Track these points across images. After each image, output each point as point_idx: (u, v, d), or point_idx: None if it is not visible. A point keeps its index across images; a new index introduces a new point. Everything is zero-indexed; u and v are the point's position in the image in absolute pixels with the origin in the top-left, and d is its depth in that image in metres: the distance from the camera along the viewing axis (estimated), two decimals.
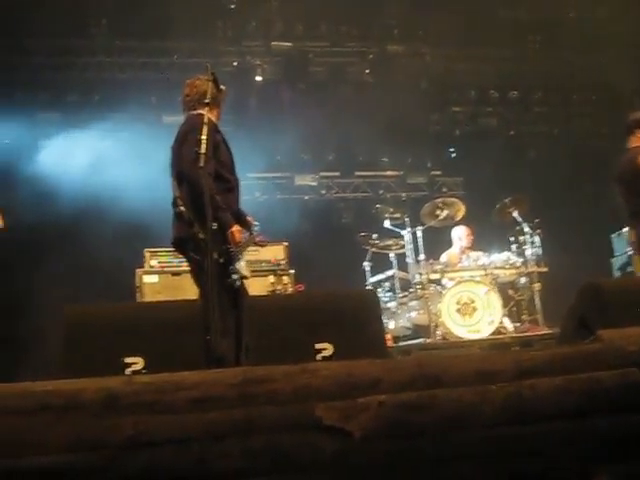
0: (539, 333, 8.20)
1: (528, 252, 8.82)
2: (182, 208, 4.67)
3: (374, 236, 9.17)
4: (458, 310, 8.07)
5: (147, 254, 8.07)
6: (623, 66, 12.88)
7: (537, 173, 12.71)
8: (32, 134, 10.93)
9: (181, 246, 4.89)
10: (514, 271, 8.82)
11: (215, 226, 4.38)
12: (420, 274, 8.59)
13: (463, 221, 9.51)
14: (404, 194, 13.49)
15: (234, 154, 5.21)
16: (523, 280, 8.86)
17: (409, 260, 8.83)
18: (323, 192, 13.17)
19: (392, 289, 9.00)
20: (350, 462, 2.49)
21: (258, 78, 12.07)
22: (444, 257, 9.38)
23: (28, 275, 9.90)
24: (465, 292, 8.18)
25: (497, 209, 9.21)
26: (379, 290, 9.05)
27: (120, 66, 11.41)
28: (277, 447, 2.43)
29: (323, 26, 11.87)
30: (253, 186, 11.52)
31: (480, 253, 9.01)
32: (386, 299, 8.96)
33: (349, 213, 12.93)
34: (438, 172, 13.83)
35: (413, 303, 8.68)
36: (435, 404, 2.65)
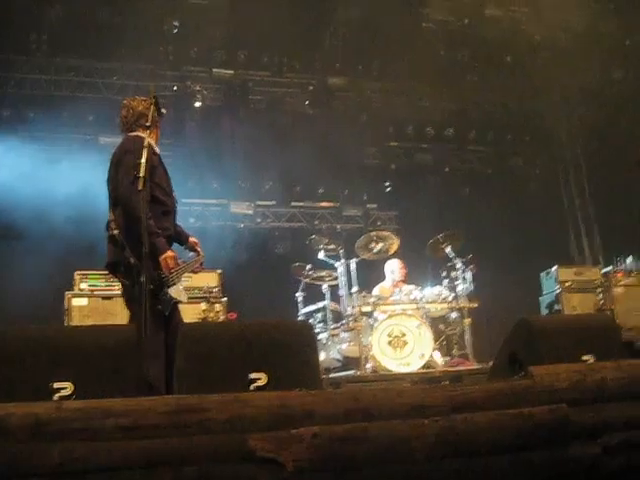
0: (469, 368, 8.25)
1: (460, 287, 8.92)
2: (115, 232, 4.64)
3: (308, 267, 9.17)
4: (389, 343, 8.09)
5: (77, 276, 7.92)
6: (557, 109, 13.30)
7: (471, 210, 12.94)
8: None
9: (114, 270, 4.83)
10: (445, 306, 8.91)
11: (144, 251, 4.31)
12: (352, 306, 8.60)
13: (396, 255, 9.58)
14: (339, 226, 13.58)
15: (171, 178, 5.18)
16: (454, 315, 8.95)
17: (342, 292, 8.85)
18: (259, 221, 13.16)
19: (324, 320, 8.99)
20: None
21: (197, 104, 12.03)
22: (376, 290, 9.42)
23: None
24: (397, 325, 8.20)
25: (431, 244, 9.31)
26: (311, 321, 9.05)
27: (58, 84, 11.24)
28: (209, 478, 2.40)
29: (265, 56, 11.92)
30: (188, 212, 11.43)
31: (412, 287, 9.07)
32: (317, 330, 8.93)
33: (284, 243, 12.92)
34: (373, 205, 13.95)
35: (344, 335, 8.68)
36: (368, 437, 2.65)
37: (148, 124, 4.54)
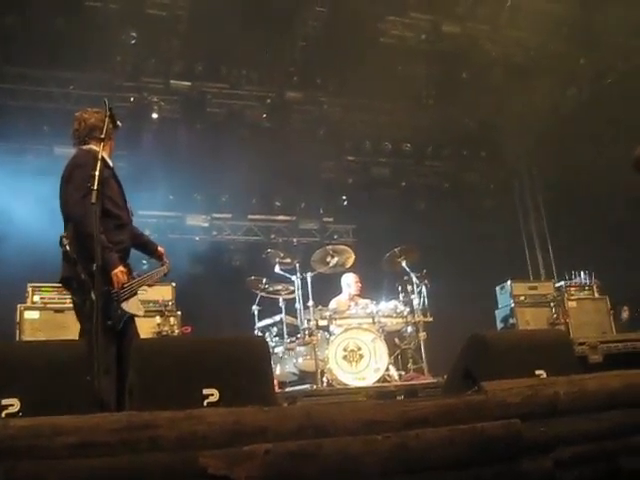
0: (424, 382, 8.28)
1: (415, 302, 8.96)
2: (67, 247, 4.58)
3: (264, 280, 9.14)
4: (345, 357, 8.08)
5: (30, 289, 7.81)
6: (512, 125, 13.45)
7: (427, 224, 13.02)
8: None
9: (67, 285, 4.77)
10: (401, 320, 8.93)
11: (95, 267, 4.26)
12: (308, 320, 8.58)
13: (353, 269, 9.59)
14: (295, 239, 13.59)
15: (126, 190, 5.13)
16: (409, 329, 8.98)
17: (298, 306, 8.82)
18: (215, 233, 13.12)
19: (280, 334, 8.97)
20: None
21: (154, 115, 11.93)
22: (333, 304, 9.41)
23: None
24: (352, 339, 8.20)
25: (387, 258, 9.34)
26: (267, 334, 9.02)
27: (13, 93, 11.06)
28: None
29: (223, 68, 11.90)
30: (144, 224, 11.24)
31: (368, 301, 9.09)
32: (273, 344, 8.91)
33: (240, 256, 12.89)
34: (330, 219, 13.99)
35: (300, 349, 8.65)
36: (321, 454, 2.63)
37: (102, 136, 4.48)
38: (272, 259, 9.09)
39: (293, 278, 8.91)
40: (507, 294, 10.12)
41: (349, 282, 9.72)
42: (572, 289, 10.17)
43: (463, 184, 14.40)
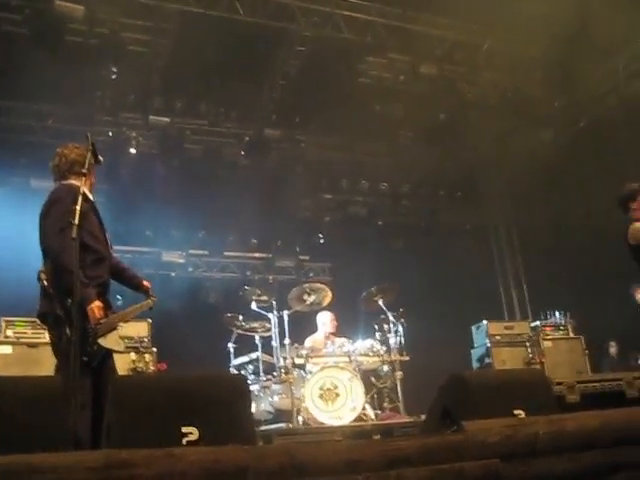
0: (400, 421, 8.24)
1: (392, 340, 8.95)
2: (45, 282, 4.55)
3: (240, 317, 9.12)
4: (321, 396, 8.03)
5: (3, 323, 7.70)
6: (488, 168, 13.63)
7: (404, 263, 13.07)
8: None
9: (44, 320, 4.74)
10: (377, 359, 8.91)
11: (70, 302, 4.23)
12: (284, 358, 8.54)
13: (330, 307, 9.58)
14: (271, 277, 13.57)
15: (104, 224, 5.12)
16: (386, 368, 8.96)
17: (274, 343, 8.77)
18: (190, 270, 13.07)
19: (256, 372, 8.90)
20: None
21: (132, 150, 11.91)
22: (308, 342, 9.36)
23: None
24: (329, 378, 8.16)
25: (364, 297, 9.34)
26: (243, 372, 8.95)
27: None
28: None
29: (202, 105, 11.94)
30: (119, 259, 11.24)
31: (344, 340, 9.07)
32: (249, 382, 8.83)
33: (216, 293, 12.83)
34: (306, 257, 14.00)
35: (276, 387, 8.59)
36: None
37: (84, 171, 4.48)
38: (249, 296, 9.07)
39: (270, 316, 8.88)
40: (483, 333, 10.15)
41: (324, 320, 9.71)
42: (547, 329, 10.21)
43: (439, 224, 14.48)
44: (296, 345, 8.80)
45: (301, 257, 13.99)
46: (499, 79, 11.77)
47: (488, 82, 11.83)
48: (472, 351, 10.34)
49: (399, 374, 8.75)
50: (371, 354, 8.88)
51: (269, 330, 8.92)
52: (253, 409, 8.57)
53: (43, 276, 4.61)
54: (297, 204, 13.62)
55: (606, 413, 3.55)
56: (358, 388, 8.13)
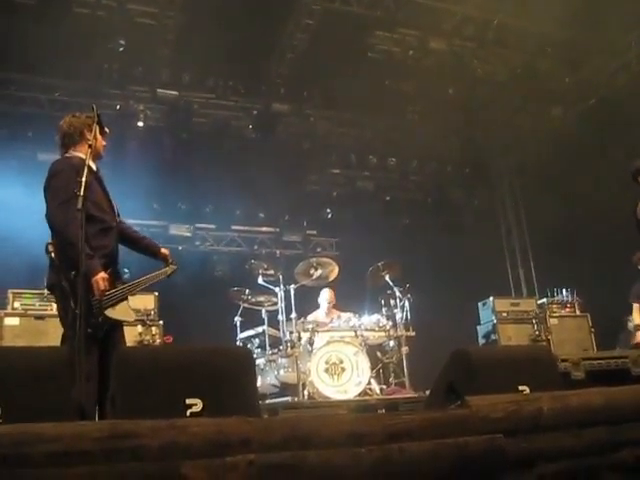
0: (405, 396, 8.27)
1: (398, 316, 8.97)
2: (52, 255, 4.56)
3: (247, 291, 9.14)
4: (327, 370, 8.06)
5: (10, 295, 7.75)
6: (496, 144, 13.55)
7: (410, 239, 13.06)
8: None
9: (52, 292, 4.76)
10: (383, 334, 8.93)
11: (73, 275, 4.30)
12: (290, 332, 8.57)
13: (336, 281, 9.59)
14: (278, 251, 13.57)
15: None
16: (392, 343, 8.98)
17: (280, 317, 8.80)
18: (197, 244, 13.08)
19: (262, 345, 8.94)
20: None
21: (140, 124, 11.89)
22: (310, 318, 9.38)
23: None
24: (334, 352, 8.19)
25: (370, 272, 9.35)
26: (249, 346, 8.99)
27: None
28: None
29: (210, 79, 11.89)
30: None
31: (350, 314, 9.08)
32: (255, 355, 8.87)
33: (223, 266, 12.84)
34: (313, 232, 13.99)
35: (282, 361, 8.62)
36: (305, 465, 2.61)
37: (90, 142, 4.48)
38: (255, 270, 9.08)
39: (276, 290, 8.90)
40: (489, 310, 10.14)
41: (326, 297, 9.78)
42: (554, 306, 10.22)
43: (447, 200, 14.45)
44: (302, 319, 8.83)
45: (308, 232, 13.99)
46: (509, 55, 11.66)
47: (498, 58, 11.72)
48: (478, 327, 10.34)
49: (405, 349, 8.77)
50: (377, 329, 8.91)
51: (275, 304, 8.95)
52: (259, 383, 8.62)
53: (51, 248, 4.63)
54: (305, 179, 13.61)
55: (611, 390, 3.54)
56: (364, 363, 8.16)
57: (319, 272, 9.17)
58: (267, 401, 8.52)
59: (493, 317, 10.00)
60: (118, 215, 5.13)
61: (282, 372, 8.58)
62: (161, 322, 8.00)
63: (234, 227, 13.45)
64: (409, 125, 13.06)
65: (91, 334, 4.25)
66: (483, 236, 14.02)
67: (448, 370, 3.92)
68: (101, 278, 4.50)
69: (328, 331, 8.71)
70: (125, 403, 3.14)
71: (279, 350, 8.72)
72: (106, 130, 4.81)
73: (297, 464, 2.60)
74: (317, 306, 9.83)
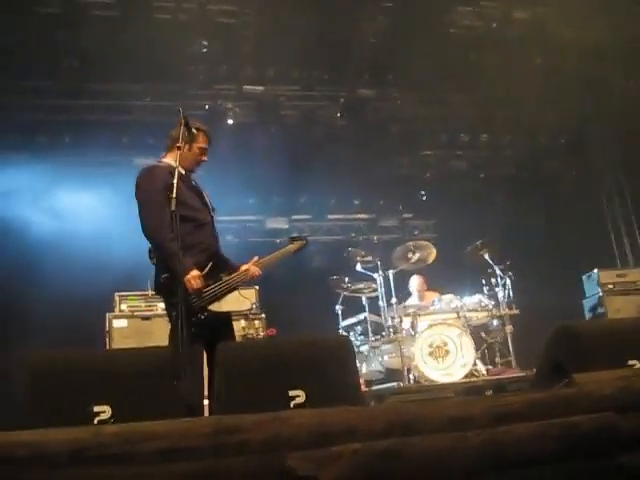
0: (512, 376, 8.16)
1: (500, 294, 8.84)
2: (155, 260, 4.69)
3: (346, 279, 9.18)
4: (431, 353, 8.02)
5: (117, 298, 8.04)
6: (590, 111, 13.11)
7: (508, 215, 12.82)
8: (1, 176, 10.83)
9: (159, 294, 4.91)
10: (486, 314, 8.83)
11: (165, 277, 4.49)
12: (392, 317, 8.56)
13: (435, 264, 9.51)
14: (376, 237, 13.56)
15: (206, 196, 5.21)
16: (495, 323, 8.87)
17: (381, 303, 8.79)
18: (295, 235, 13.15)
19: (364, 332, 8.97)
20: None
21: (230, 121, 12.07)
22: None
23: None
24: (438, 335, 8.14)
25: (468, 251, 9.24)
26: (351, 334, 9.03)
27: (90, 108, 11.31)
28: None
29: (294, 71, 11.91)
30: (225, 229, 11.42)
31: (452, 296, 9.00)
32: (358, 343, 8.92)
33: (321, 256, 12.89)
34: (409, 215, 13.94)
35: (386, 347, 8.63)
36: (410, 452, 2.60)
37: (179, 145, 4.59)
38: (353, 258, 9.10)
39: (375, 276, 8.90)
40: (594, 283, 9.85)
41: (415, 285, 9.77)
42: None
43: (543, 172, 14.10)
44: (403, 304, 8.81)
45: (404, 215, 13.94)
46: (595, 17, 11.23)
47: (585, 23, 11.31)
48: (584, 301, 10.06)
49: (509, 328, 8.65)
50: (479, 309, 8.81)
51: (375, 290, 8.96)
52: (364, 370, 8.66)
53: (152, 253, 4.77)
54: (397, 162, 13.53)
55: None
56: (468, 344, 8.08)
57: (417, 255, 9.13)
58: (373, 387, 8.56)
59: (599, 289, 9.71)
60: (213, 210, 5.21)
61: (386, 358, 8.59)
62: (263, 315, 8.11)
63: (330, 216, 13.50)
64: (498, 99, 12.77)
65: (195, 332, 4.32)
66: (583, 207, 13.63)
67: (552, 348, 3.83)
68: (192, 277, 4.55)
69: (430, 314, 8.66)
70: (229, 398, 3.20)
71: (382, 336, 8.74)
72: (193, 131, 4.89)
73: (402, 450, 2.59)
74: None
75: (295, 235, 5.59)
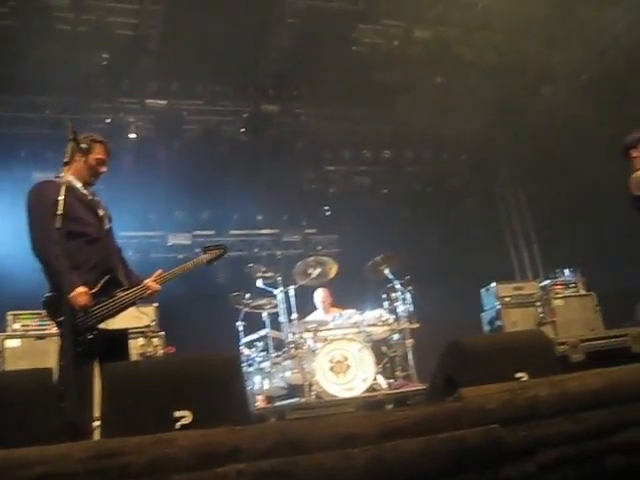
0: (413, 389, 8.23)
1: (400, 309, 8.94)
2: (47, 276, 4.56)
3: (247, 295, 9.12)
4: (332, 368, 8.02)
5: (10, 317, 7.74)
6: (490, 128, 13.47)
7: (411, 230, 13.02)
8: None
9: (46, 312, 4.78)
10: (387, 328, 8.90)
11: (50, 295, 4.42)
12: (293, 333, 8.54)
13: (336, 279, 9.55)
14: (279, 252, 13.52)
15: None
16: (396, 337, 8.95)
17: (282, 319, 8.78)
18: (197, 251, 12.95)
19: (266, 349, 8.91)
20: None
21: (132, 135, 11.87)
22: (309, 319, 9.36)
23: None
24: (338, 350, 8.15)
25: (369, 266, 9.33)
26: (253, 350, 8.97)
27: None
28: None
29: (197, 85, 11.85)
30: (126, 245, 11.04)
31: (352, 311, 9.04)
32: (260, 359, 8.87)
33: (224, 272, 12.76)
34: (313, 230, 13.95)
35: (287, 362, 8.59)
36: (296, 471, 2.58)
37: (66, 160, 4.46)
38: (254, 274, 9.07)
39: (276, 292, 8.88)
40: (492, 296, 10.10)
41: (320, 298, 9.80)
42: (557, 287, 10.14)
43: (445, 188, 14.39)
44: (304, 320, 8.81)
45: (308, 231, 13.95)
46: (495, 38, 11.59)
47: (484, 42, 11.65)
48: (482, 314, 10.30)
49: (409, 342, 8.75)
50: (380, 323, 8.88)
51: (276, 306, 8.93)
52: (266, 386, 8.62)
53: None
54: (301, 178, 13.57)
55: (609, 371, 3.50)
56: (368, 358, 8.12)
57: (318, 271, 9.15)
58: (276, 403, 8.52)
59: (497, 303, 9.96)
60: (110, 222, 5.10)
61: (288, 374, 8.56)
62: (162, 333, 7.96)
63: (233, 232, 13.40)
64: (400, 116, 12.99)
65: (82, 351, 4.20)
66: (484, 222, 14.00)
67: (443, 362, 3.88)
68: (78, 294, 4.42)
69: (330, 329, 8.68)
70: (114, 420, 3.11)
71: (283, 352, 8.70)
72: (82, 146, 4.78)
73: (288, 470, 2.57)
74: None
75: (210, 244, 5.44)
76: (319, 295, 9.79)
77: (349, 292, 9.94)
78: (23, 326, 7.68)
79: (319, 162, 13.50)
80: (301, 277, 9.12)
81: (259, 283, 9.01)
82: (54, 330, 7.11)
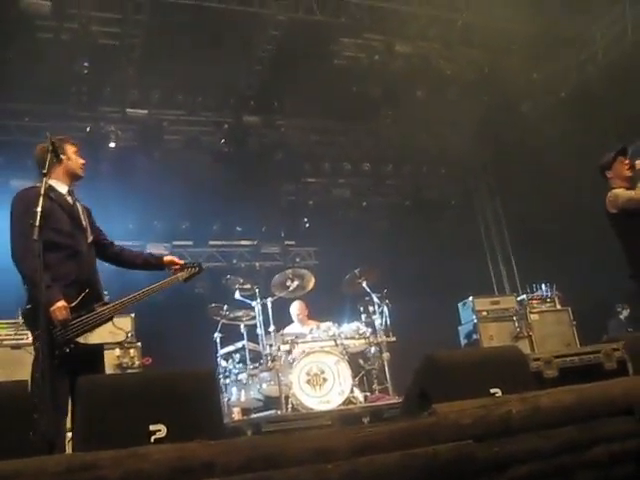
0: (389, 402, 8.25)
1: (377, 322, 8.96)
2: (26, 287, 4.51)
3: (225, 307, 9.11)
4: (308, 381, 8.03)
5: None
6: (470, 142, 13.57)
7: (389, 243, 13.07)
8: None
9: (25, 324, 4.78)
10: (364, 341, 8.92)
11: (28, 307, 4.37)
12: (270, 345, 8.55)
13: (314, 292, 9.57)
14: (258, 264, 13.53)
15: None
16: (373, 350, 8.97)
17: (259, 331, 8.78)
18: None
19: (243, 360, 8.90)
20: None
21: (112, 144, 11.83)
22: (285, 332, 9.36)
23: None
24: (315, 363, 8.16)
25: (347, 279, 9.35)
26: (230, 361, 8.95)
27: None
28: None
29: (179, 95, 11.84)
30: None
31: (330, 324, 9.05)
32: (237, 371, 8.85)
33: (202, 283, 12.71)
34: (292, 242, 13.98)
35: (264, 375, 8.58)
36: None
37: (44, 171, 4.42)
38: (232, 285, 9.06)
39: (253, 304, 8.88)
40: (469, 310, 10.14)
41: (296, 311, 9.81)
42: (534, 302, 10.22)
43: (424, 201, 14.46)
44: (281, 332, 8.82)
45: (287, 242, 13.97)
46: (475, 54, 11.70)
47: (464, 58, 11.75)
48: (459, 328, 10.34)
49: (386, 355, 8.76)
50: (357, 337, 8.90)
51: (254, 318, 8.93)
52: (242, 398, 8.61)
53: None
54: (280, 189, 13.59)
55: (582, 387, 3.53)
56: (345, 371, 8.13)
57: (295, 283, 9.17)
58: (252, 415, 8.51)
59: (474, 317, 10.00)
60: (98, 232, 5.13)
61: (265, 386, 8.55)
62: (139, 344, 7.91)
63: (212, 242, 13.41)
64: (380, 129, 13.08)
65: (58, 364, 4.17)
66: (462, 236, 14.06)
67: (418, 377, 3.90)
68: (57, 308, 4.37)
69: (307, 342, 8.68)
70: (88, 434, 3.10)
71: (260, 364, 8.69)
72: (61, 157, 4.76)
73: None
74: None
75: (187, 262, 5.44)
76: (295, 308, 9.80)
77: (327, 305, 9.96)
78: None
79: (299, 174, 13.53)
80: (279, 289, 9.13)
81: (237, 295, 9.01)
82: (30, 340, 7.09)
